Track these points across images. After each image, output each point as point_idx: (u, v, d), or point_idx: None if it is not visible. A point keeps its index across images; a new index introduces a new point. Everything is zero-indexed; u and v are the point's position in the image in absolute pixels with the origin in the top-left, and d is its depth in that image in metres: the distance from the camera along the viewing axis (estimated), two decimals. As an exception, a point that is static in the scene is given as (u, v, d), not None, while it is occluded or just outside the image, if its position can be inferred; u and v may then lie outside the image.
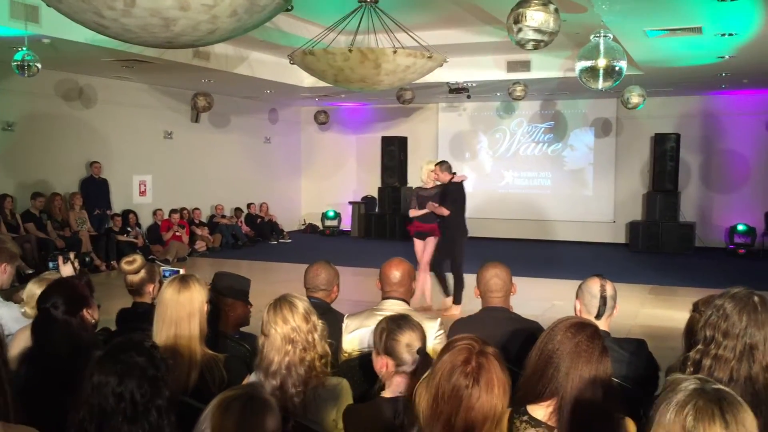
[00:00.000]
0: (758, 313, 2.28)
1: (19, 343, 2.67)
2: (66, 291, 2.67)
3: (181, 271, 3.34)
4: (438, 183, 7.98)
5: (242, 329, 3.81)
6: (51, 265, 3.75)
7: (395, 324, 2.49)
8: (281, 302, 2.52)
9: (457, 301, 7.64)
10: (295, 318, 2.47)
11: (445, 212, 7.71)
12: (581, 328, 2.11)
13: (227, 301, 3.59)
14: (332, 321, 3.22)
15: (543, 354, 2.08)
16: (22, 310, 3.17)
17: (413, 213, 8.06)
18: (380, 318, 3.33)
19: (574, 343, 2.06)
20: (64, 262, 3.72)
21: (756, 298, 2.32)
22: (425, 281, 7.90)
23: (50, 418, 2.07)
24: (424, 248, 8.02)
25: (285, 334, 2.45)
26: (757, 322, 2.26)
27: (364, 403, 2.50)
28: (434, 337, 3.24)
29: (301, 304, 2.52)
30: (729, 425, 1.39)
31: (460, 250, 7.85)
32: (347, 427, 2.45)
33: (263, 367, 2.46)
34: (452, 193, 7.84)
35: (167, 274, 3.72)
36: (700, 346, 2.32)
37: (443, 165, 8.00)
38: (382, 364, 2.46)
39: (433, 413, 1.78)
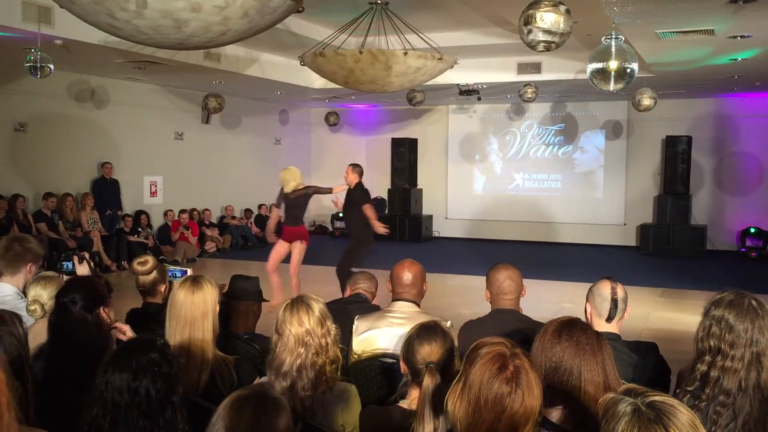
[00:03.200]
0: (759, 318, 2.31)
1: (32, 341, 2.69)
2: (85, 288, 2.69)
3: (189, 272, 3.35)
4: (303, 187, 7.75)
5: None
6: (65, 265, 3.74)
7: (418, 334, 2.40)
8: (298, 303, 2.51)
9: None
10: (310, 321, 2.46)
11: (377, 226, 7.62)
12: (571, 325, 2.09)
13: (247, 303, 3.62)
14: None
15: (547, 368, 2.04)
16: (32, 308, 3.13)
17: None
18: (391, 320, 3.34)
19: (575, 342, 2.04)
20: (80, 262, 3.73)
21: (754, 302, 2.34)
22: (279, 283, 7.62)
23: (62, 414, 2.08)
24: (291, 251, 7.72)
25: (299, 337, 2.44)
26: (761, 328, 2.29)
27: (381, 407, 2.49)
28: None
29: (317, 307, 2.51)
30: None
31: (364, 252, 7.80)
32: (363, 428, 2.45)
33: (274, 366, 2.46)
34: (360, 196, 7.79)
35: (177, 273, 3.73)
36: (707, 358, 2.32)
37: (356, 168, 7.92)
38: (403, 368, 2.44)
39: (474, 421, 1.75)
